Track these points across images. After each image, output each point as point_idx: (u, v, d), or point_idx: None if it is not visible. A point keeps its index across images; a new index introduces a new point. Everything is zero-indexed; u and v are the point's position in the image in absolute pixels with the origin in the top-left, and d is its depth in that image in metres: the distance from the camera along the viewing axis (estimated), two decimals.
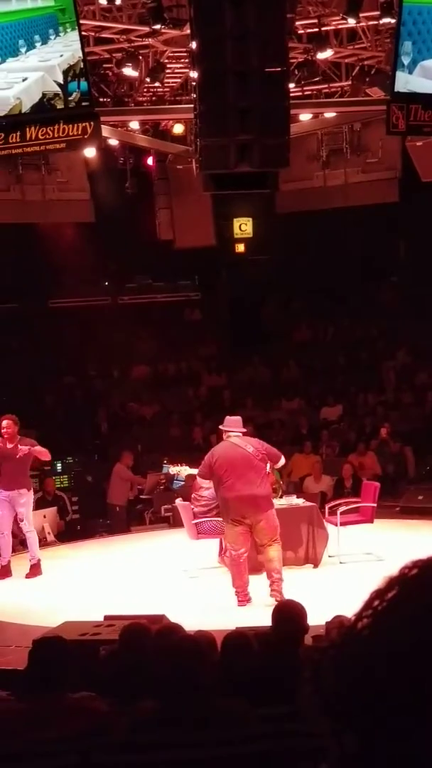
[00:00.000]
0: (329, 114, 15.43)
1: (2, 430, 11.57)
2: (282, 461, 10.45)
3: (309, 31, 13.80)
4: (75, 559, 13.18)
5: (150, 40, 13.57)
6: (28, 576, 11.77)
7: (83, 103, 12.12)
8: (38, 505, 14.45)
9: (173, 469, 12.75)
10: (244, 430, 10.33)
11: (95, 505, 16.04)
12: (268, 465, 10.00)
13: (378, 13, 12.95)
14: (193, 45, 11.26)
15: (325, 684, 1.08)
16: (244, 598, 9.81)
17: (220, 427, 10.42)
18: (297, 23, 13.17)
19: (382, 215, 19.52)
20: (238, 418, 10.44)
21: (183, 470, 12.47)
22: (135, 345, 21.09)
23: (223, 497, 9.85)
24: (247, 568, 9.92)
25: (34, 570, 11.84)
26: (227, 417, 10.48)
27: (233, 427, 10.18)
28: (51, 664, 4.26)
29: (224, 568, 11.17)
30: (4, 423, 11.61)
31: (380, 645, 1.05)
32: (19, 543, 12.28)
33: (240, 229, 21.08)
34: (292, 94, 12.76)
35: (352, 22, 13.21)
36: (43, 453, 11.92)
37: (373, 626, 1.07)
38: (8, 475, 11.60)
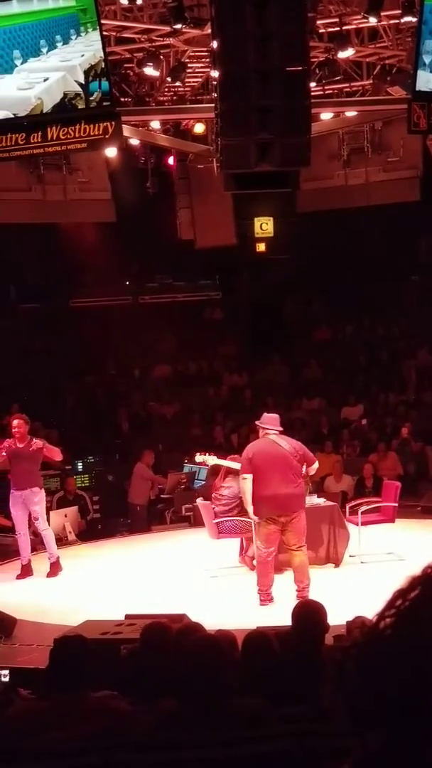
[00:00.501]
0: (350, 113, 15.39)
1: (13, 430, 11.63)
2: (316, 465, 10.20)
3: (330, 30, 13.76)
4: (96, 559, 13.21)
5: (171, 39, 13.58)
6: (48, 575, 11.81)
7: (104, 103, 12.15)
8: (59, 504, 14.52)
9: (199, 458, 12.58)
10: (281, 428, 10.05)
11: (116, 505, 16.05)
12: (304, 467, 9.87)
13: (399, 12, 12.91)
14: (215, 44, 11.27)
15: (348, 683, 1.08)
16: (266, 597, 9.78)
17: (257, 423, 10.16)
18: (318, 22, 13.15)
19: (404, 214, 19.44)
20: (276, 415, 10.17)
21: (210, 459, 12.30)
22: (156, 344, 21.10)
23: (259, 495, 9.64)
24: (273, 567, 9.90)
25: (54, 568, 11.89)
26: (265, 414, 10.21)
27: (271, 424, 9.95)
28: (72, 663, 4.27)
29: (245, 568, 11.17)
30: (15, 422, 11.66)
31: (403, 644, 1.05)
32: (40, 542, 12.32)
33: (261, 228, 21.01)
34: (313, 93, 12.75)
35: (373, 21, 13.18)
36: (55, 451, 11.95)
37: (395, 626, 1.07)
38: (20, 474, 11.65)
